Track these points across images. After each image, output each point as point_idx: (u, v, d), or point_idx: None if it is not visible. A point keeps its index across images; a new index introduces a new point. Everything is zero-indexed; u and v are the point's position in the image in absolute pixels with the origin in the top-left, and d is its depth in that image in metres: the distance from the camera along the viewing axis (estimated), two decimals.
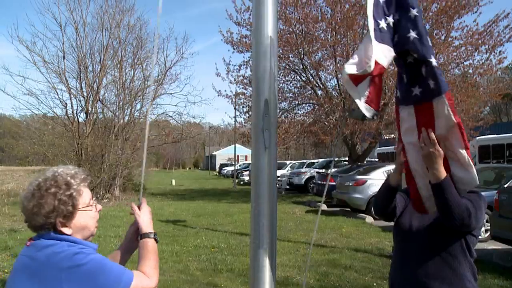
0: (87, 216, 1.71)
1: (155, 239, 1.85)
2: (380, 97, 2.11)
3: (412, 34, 2.06)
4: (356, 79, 1.98)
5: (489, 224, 8.85)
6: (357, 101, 2.05)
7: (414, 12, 2.08)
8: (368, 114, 2.07)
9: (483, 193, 7.63)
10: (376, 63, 1.92)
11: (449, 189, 2.11)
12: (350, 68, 1.95)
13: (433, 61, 2.04)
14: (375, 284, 6.28)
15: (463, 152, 2.15)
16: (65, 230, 1.64)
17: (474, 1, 16.89)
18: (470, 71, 18.32)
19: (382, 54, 2.00)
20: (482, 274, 6.64)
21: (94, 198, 1.80)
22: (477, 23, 17.52)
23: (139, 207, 1.93)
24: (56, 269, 1.51)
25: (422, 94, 2.11)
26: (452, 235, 2.28)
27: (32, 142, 20.36)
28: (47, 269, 1.53)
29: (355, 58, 1.98)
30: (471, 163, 2.18)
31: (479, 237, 8.21)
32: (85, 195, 1.72)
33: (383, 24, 2.06)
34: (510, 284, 6.19)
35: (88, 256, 1.56)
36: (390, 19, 2.10)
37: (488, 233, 9.03)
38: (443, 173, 2.10)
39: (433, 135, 2.11)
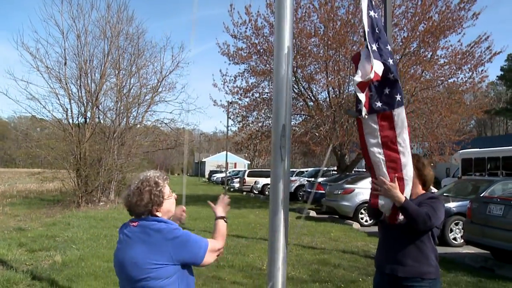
0: (169, 203, 2.57)
1: (225, 221, 2.77)
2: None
3: (390, 61, 2.95)
4: (362, 86, 2.85)
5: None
6: (362, 102, 2.91)
7: (389, 48, 3.01)
8: (363, 113, 2.94)
9: (460, 203, 8.65)
10: (375, 72, 2.80)
11: (410, 207, 3.00)
12: (358, 78, 2.80)
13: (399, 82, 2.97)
14: (360, 279, 7.13)
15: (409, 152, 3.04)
16: (158, 214, 2.49)
17: (458, 24, 17.94)
18: (454, 88, 19.33)
19: (377, 66, 2.88)
20: (454, 273, 7.56)
21: (171, 191, 2.63)
22: (461, 43, 18.59)
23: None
24: (164, 239, 2.35)
25: (383, 106, 2.94)
26: None
27: (33, 145, 20.86)
28: (158, 239, 2.36)
29: (359, 72, 2.84)
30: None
31: (455, 242, 9.20)
32: (167, 189, 2.57)
33: (374, 47, 2.95)
34: (476, 280, 7.11)
35: (181, 231, 2.43)
36: (375, 46, 3.00)
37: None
38: (402, 198, 2.98)
39: (381, 179, 2.99)
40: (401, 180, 3.02)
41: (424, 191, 3.37)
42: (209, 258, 2.49)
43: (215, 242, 2.58)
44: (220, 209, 2.82)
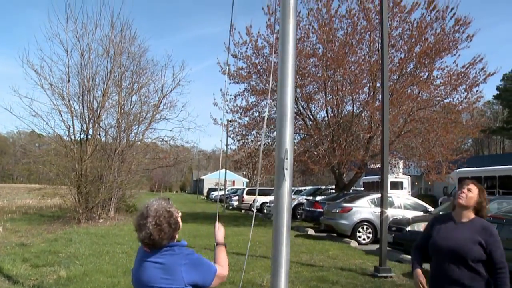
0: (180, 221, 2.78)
1: (225, 246, 2.98)
2: None
3: None
4: None
5: None
6: None
7: None
8: None
9: None
10: None
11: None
12: None
13: None
14: None
15: None
16: (176, 235, 2.68)
17: (453, 45, 18.36)
18: (451, 108, 19.67)
19: None
20: None
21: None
22: (456, 64, 18.97)
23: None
24: (178, 264, 2.56)
25: None
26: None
27: (32, 160, 21.09)
28: (172, 264, 2.56)
29: None
30: None
31: None
32: (176, 211, 2.75)
33: None
34: None
35: (194, 255, 2.62)
36: None
37: None
38: None
39: None
40: None
41: (475, 216, 3.50)
42: (216, 282, 2.69)
43: (222, 269, 2.78)
44: (220, 235, 3.04)
